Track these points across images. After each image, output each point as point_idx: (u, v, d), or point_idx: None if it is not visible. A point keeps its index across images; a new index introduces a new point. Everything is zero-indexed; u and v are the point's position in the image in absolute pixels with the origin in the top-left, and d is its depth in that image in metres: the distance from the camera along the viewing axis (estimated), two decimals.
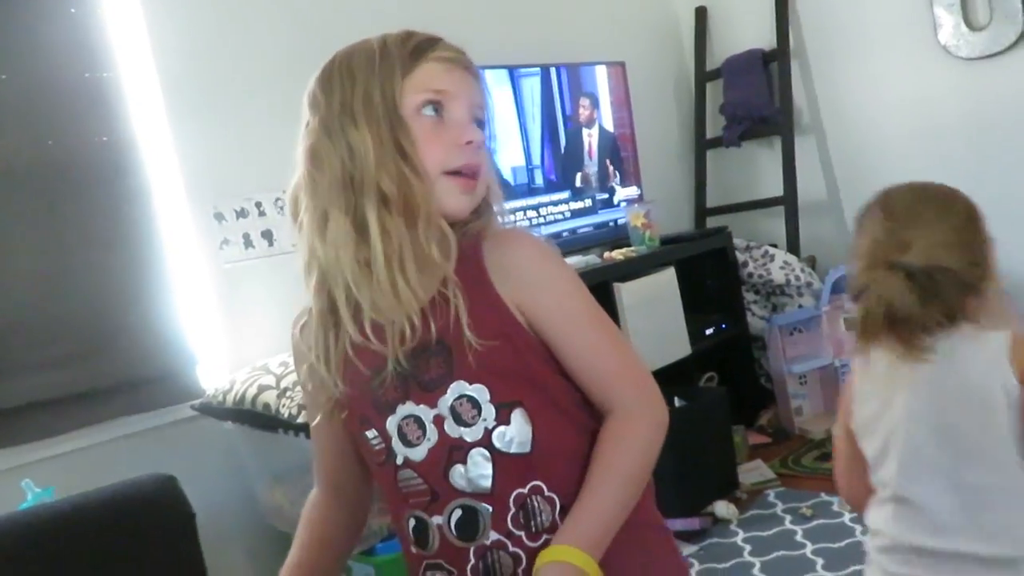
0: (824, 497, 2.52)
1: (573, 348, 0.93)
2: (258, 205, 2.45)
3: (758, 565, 2.24)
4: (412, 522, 0.96)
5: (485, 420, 0.91)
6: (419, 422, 0.92)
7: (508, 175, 2.92)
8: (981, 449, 1.10)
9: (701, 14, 3.80)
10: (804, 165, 3.53)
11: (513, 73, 2.98)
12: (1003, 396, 1.07)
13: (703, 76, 3.83)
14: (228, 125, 2.41)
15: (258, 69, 2.48)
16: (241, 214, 2.42)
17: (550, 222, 3.05)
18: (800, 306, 3.23)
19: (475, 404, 0.91)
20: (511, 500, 0.91)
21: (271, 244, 2.47)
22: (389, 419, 0.94)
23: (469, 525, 0.92)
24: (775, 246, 3.40)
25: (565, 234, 3.09)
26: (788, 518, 2.47)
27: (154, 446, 2.20)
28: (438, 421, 0.91)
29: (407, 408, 0.93)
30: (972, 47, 3.06)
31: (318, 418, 0.99)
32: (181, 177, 2.35)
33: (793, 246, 3.45)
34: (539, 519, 0.91)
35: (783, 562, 2.23)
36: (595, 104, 3.26)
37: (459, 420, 0.91)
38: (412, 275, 0.88)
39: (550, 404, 0.93)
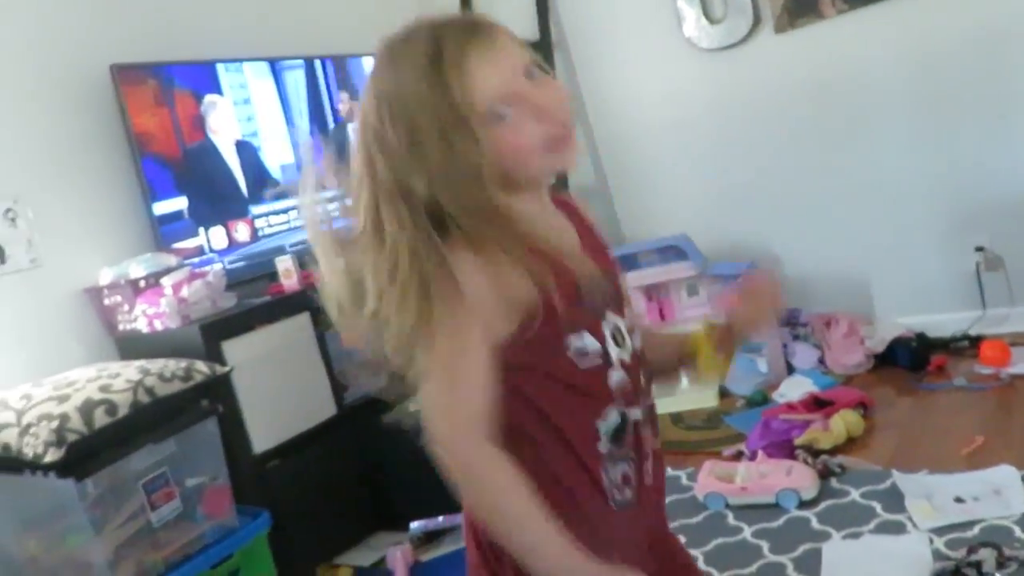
0: None
1: None
2: None
3: None
4: (614, 417, 0.96)
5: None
6: (618, 329, 0.98)
7: (277, 173, 2.77)
8: None
9: (465, 5, 3.82)
10: None
11: (275, 66, 2.82)
12: None
13: None
14: None
15: None
16: None
17: None
18: None
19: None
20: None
21: (3, 262, 2.16)
22: (603, 323, 0.96)
23: (652, 422, 1.01)
24: None
25: None
26: None
27: None
28: (630, 330, 0.99)
29: (610, 317, 0.98)
30: (712, 39, 3.30)
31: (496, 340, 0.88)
32: None
33: None
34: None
35: None
36: (356, 97, 3.16)
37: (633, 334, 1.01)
38: None
39: None
